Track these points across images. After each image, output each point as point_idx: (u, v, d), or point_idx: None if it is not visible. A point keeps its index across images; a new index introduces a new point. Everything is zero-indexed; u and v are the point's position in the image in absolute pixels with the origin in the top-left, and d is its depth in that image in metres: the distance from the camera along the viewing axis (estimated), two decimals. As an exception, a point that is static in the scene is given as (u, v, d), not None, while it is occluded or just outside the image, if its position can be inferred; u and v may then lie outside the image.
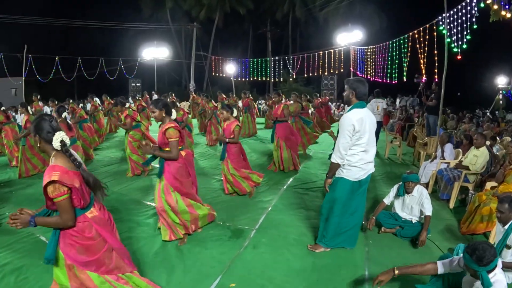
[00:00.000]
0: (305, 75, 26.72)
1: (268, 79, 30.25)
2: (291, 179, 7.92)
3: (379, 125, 10.49)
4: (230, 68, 25.79)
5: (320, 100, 15.34)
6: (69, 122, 6.66)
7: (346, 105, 4.85)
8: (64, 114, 6.68)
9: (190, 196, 4.93)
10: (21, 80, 19.92)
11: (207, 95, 13.94)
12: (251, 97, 14.44)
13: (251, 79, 28.76)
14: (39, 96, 13.16)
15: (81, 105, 10.95)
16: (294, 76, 28.28)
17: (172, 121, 4.68)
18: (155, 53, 26.02)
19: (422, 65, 11.25)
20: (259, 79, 28.64)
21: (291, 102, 10.59)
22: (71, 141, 6.28)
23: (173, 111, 4.82)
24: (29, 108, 9.11)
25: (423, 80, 11.06)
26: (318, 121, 14.14)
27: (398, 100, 20.95)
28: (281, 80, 30.01)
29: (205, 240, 4.99)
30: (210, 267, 4.27)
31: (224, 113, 6.76)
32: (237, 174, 6.72)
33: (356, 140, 4.14)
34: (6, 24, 23.92)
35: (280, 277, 4.08)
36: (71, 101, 13.77)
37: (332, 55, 23.10)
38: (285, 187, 7.43)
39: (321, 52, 23.70)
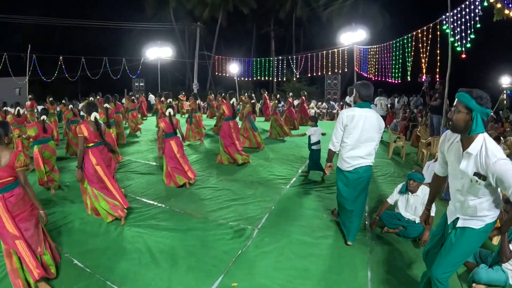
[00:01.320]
0: (309, 75, 26.65)
1: (271, 78, 30.23)
2: (294, 179, 7.92)
3: (383, 119, 12.18)
4: (234, 68, 25.77)
5: (290, 101, 15.97)
6: (46, 123, 7.26)
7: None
8: (43, 117, 7.28)
9: (97, 188, 5.56)
10: (25, 79, 20.02)
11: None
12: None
13: (255, 78, 28.75)
14: (31, 96, 14.06)
15: (70, 106, 11.21)
16: (298, 76, 28.22)
17: (83, 122, 5.75)
18: (158, 52, 26.01)
19: (423, 64, 11.21)
20: (263, 79, 28.62)
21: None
22: (43, 140, 7.07)
23: (93, 114, 5.66)
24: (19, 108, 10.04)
25: (424, 79, 11.02)
26: (288, 121, 15.21)
27: (396, 100, 20.84)
28: (285, 79, 29.96)
29: (207, 239, 5.00)
30: (212, 266, 4.28)
31: None
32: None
33: (348, 134, 4.57)
34: (10, 24, 24.05)
35: (282, 276, 4.08)
36: (63, 101, 14.12)
37: (336, 55, 23.05)
38: (288, 186, 7.43)
39: (324, 51, 23.64)
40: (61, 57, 22.50)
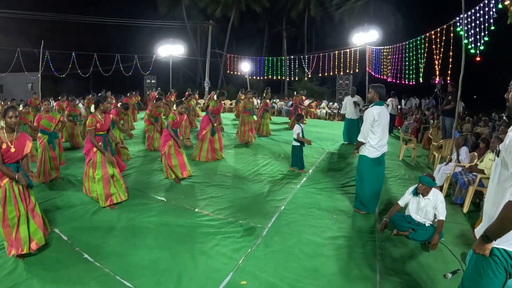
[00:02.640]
0: (320, 75, 26.54)
1: (283, 78, 30.18)
2: (304, 179, 7.93)
3: (394, 117, 15.18)
4: (245, 66, 25.80)
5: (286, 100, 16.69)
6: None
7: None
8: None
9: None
10: (38, 75, 20.24)
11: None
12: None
13: (266, 77, 28.71)
14: (35, 95, 15.51)
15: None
16: (310, 76, 28.12)
17: (91, 114, 6.24)
18: (170, 50, 26.04)
19: (436, 66, 11.09)
20: (274, 78, 28.56)
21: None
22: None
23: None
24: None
25: (437, 81, 10.94)
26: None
27: (403, 102, 20.71)
28: (296, 79, 29.89)
29: (217, 237, 5.03)
30: (222, 264, 4.30)
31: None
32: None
33: (376, 128, 5.70)
34: (23, 20, 24.30)
35: (291, 276, 4.09)
36: (59, 97, 14.66)
37: (348, 55, 22.93)
38: (298, 186, 7.44)
39: (336, 51, 23.51)
40: (73, 54, 22.67)
